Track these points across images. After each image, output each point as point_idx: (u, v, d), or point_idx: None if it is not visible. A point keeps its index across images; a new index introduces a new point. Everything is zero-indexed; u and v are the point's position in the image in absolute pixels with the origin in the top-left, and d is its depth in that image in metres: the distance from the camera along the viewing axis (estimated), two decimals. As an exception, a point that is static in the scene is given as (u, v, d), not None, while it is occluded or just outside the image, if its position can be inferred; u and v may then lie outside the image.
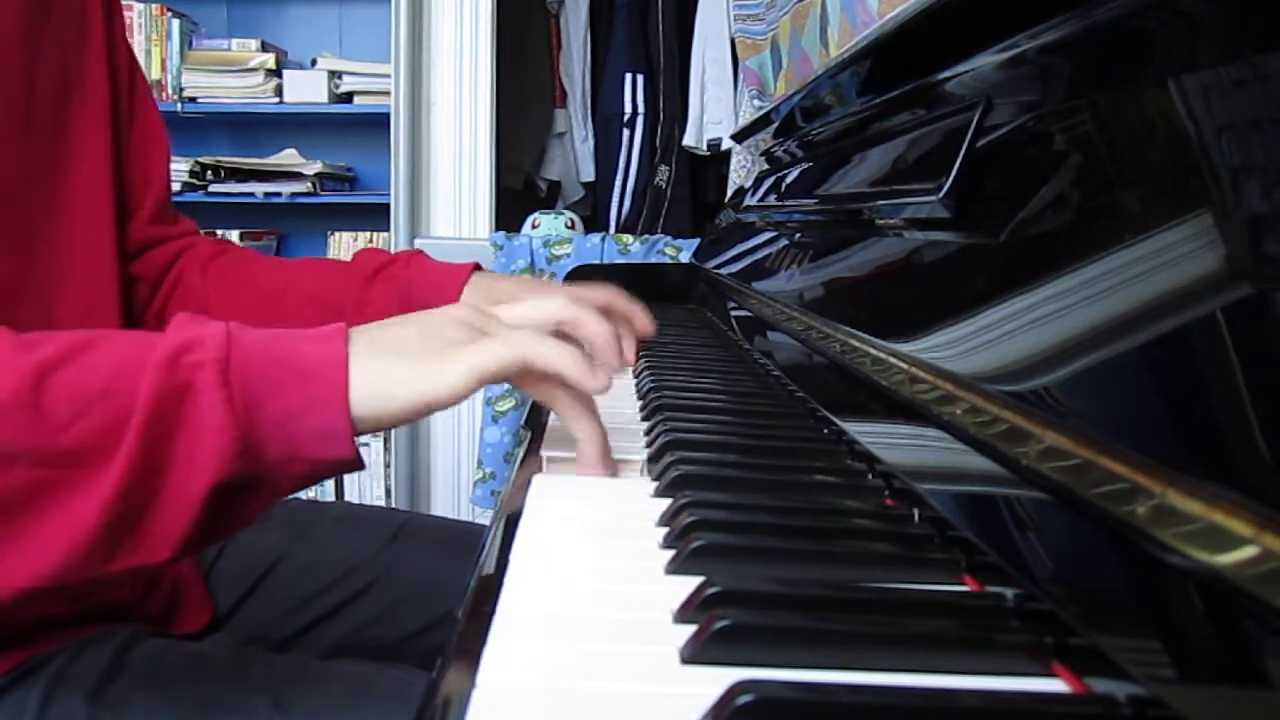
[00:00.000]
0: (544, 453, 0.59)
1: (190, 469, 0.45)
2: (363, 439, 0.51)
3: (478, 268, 0.87)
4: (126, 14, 2.51)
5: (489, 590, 0.37)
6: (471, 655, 0.32)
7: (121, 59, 0.80)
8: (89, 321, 0.73)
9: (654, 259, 2.07)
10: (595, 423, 0.54)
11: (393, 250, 2.16)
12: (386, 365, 0.48)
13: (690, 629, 0.33)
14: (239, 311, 0.84)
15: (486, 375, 0.49)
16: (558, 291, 0.58)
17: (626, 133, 2.43)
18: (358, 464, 0.49)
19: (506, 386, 2.03)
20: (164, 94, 2.51)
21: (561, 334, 0.56)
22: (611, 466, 0.55)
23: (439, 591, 0.85)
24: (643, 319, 0.86)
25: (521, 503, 0.48)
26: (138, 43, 2.51)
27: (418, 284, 0.83)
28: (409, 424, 0.58)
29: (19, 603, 0.44)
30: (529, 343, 0.50)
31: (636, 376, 0.82)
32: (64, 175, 0.72)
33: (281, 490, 0.49)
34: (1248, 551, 0.25)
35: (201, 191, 2.51)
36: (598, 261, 2.03)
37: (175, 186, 2.47)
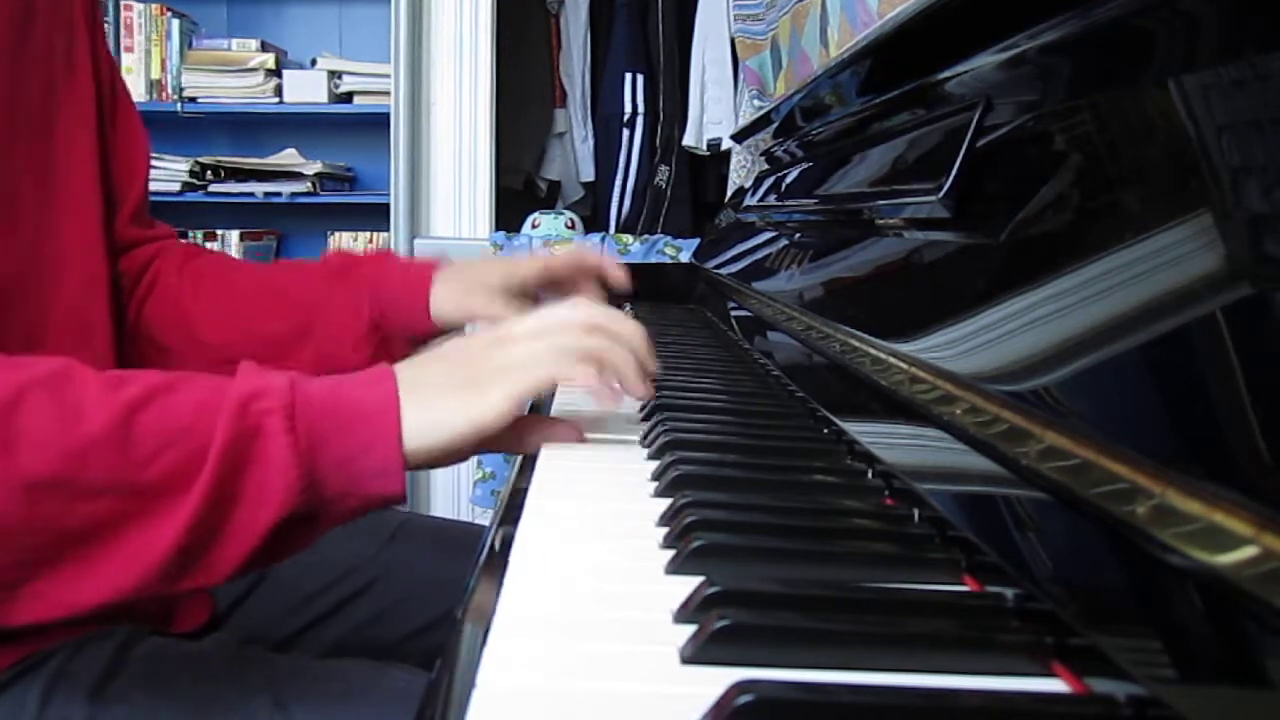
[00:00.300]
0: (544, 451, 0.59)
1: (258, 504, 0.48)
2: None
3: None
4: (126, 14, 2.52)
5: (489, 589, 0.37)
6: (471, 655, 0.32)
7: (104, 64, 0.81)
8: (82, 320, 0.74)
9: (654, 259, 2.07)
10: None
11: (392, 251, 2.15)
12: (433, 401, 0.52)
13: (690, 629, 0.33)
14: (215, 311, 0.85)
15: (525, 396, 0.53)
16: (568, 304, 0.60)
17: (626, 133, 2.42)
18: (402, 498, 0.52)
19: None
20: (164, 94, 2.51)
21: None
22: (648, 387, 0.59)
23: (438, 591, 0.85)
24: (615, 271, 0.87)
25: (526, 482, 0.49)
26: (138, 42, 2.51)
27: (386, 283, 0.85)
28: (460, 459, 0.62)
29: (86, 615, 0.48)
30: (560, 364, 0.54)
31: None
32: (54, 178, 0.73)
33: (333, 523, 0.53)
34: (1248, 551, 0.25)
35: (201, 191, 2.51)
36: (598, 261, 2.03)
37: (175, 186, 2.47)
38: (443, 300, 0.83)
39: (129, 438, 0.47)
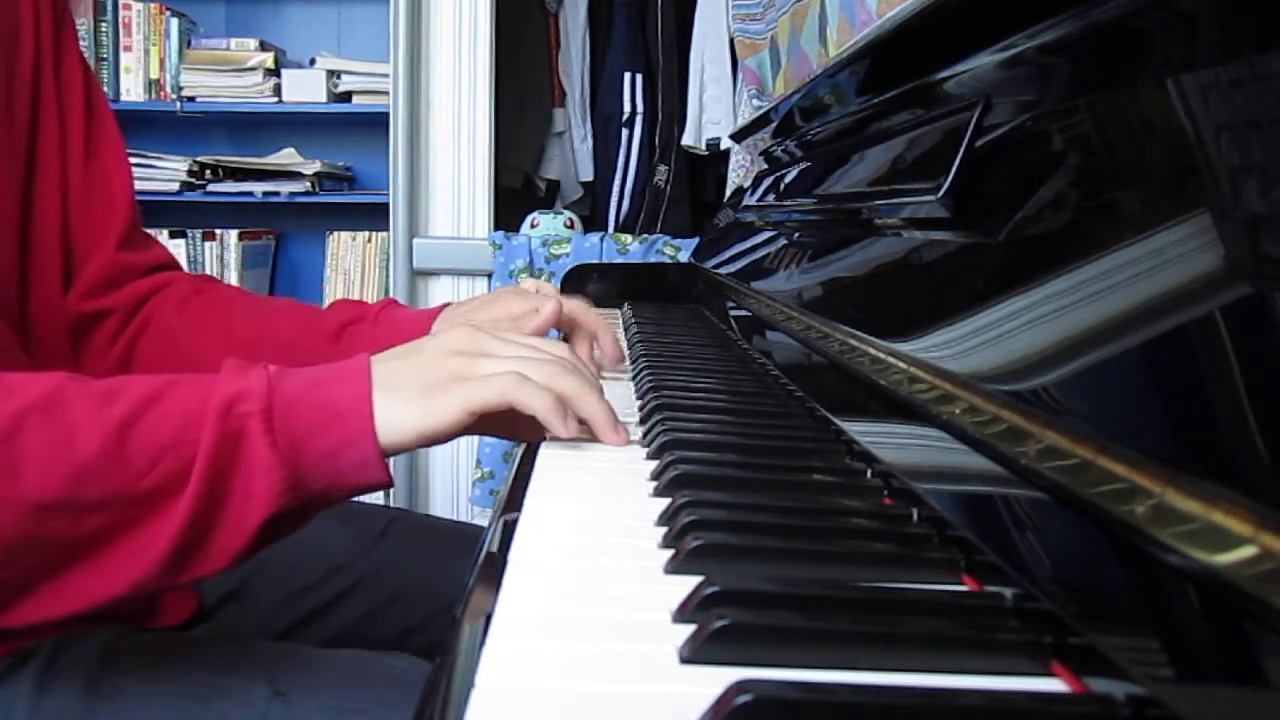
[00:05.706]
0: (543, 451, 0.59)
1: (246, 503, 0.52)
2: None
3: (445, 306, 0.88)
4: (125, 13, 2.51)
5: (488, 589, 0.37)
6: (470, 655, 0.32)
7: (72, 89, 0.79)
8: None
9: (653, 258, 2.07)
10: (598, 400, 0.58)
11: (391, 250, 2.14)
12: (397, 401, 0.54)
13: (689, 629, 0.33)
14: (211, 354, 0.84)
15: (477, 411, 0.55)
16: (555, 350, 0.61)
17: (625, 132, 2.42)
18: (390, 483, 0.55)
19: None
20: (162, 93, 2.51)
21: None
22: (623, 435, 0.59)
23: (429, 589, 0.85)
24: (607, 343, 0.86)
25: (522, 492, 0.48)
26: (136, 42, 2.51)
27: (387, 342, 0.84)
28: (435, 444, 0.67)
29: (96, 610, 0.52)
30: (515, 387, 0.55)
31: (635, 377, 0.82)
32: None
33: (327, 506, 0.56)
34: (1247, 551, 0.25)
35: (200, 191, 2.50)
36: (596, 261, 2.03)
37: (174, 186, 2.47)
38: None
39: (123, 454, 0.50)
